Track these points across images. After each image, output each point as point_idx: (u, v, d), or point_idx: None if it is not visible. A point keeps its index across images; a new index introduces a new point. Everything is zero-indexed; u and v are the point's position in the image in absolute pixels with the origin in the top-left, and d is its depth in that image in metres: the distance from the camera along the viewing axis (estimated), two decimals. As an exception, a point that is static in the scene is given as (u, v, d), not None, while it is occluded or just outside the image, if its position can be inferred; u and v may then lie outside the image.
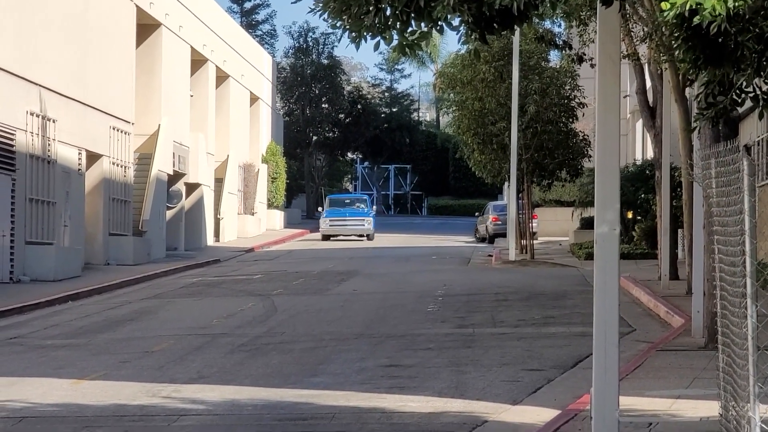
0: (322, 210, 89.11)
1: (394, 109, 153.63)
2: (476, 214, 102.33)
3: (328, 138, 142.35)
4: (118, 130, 66.64)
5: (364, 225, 78.60)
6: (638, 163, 59.80)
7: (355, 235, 76.96)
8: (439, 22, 14.59)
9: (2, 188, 51.95)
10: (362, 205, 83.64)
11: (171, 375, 26.84)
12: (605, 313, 15.64)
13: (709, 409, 16.44)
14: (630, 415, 16.92)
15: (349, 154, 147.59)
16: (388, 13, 14.03)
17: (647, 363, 25.30)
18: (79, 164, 61.61)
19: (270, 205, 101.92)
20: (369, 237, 79.94)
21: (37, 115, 55.17)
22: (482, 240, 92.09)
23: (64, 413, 22.32)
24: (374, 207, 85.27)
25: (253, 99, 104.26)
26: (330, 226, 78.18)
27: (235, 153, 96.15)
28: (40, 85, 55.31)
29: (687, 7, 10.56)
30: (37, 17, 55.02)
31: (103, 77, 64.45)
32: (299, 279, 53.77)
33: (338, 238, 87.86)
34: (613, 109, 16.45)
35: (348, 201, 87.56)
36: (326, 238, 79.96)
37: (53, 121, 56.84)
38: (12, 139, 52.67)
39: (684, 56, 15.79)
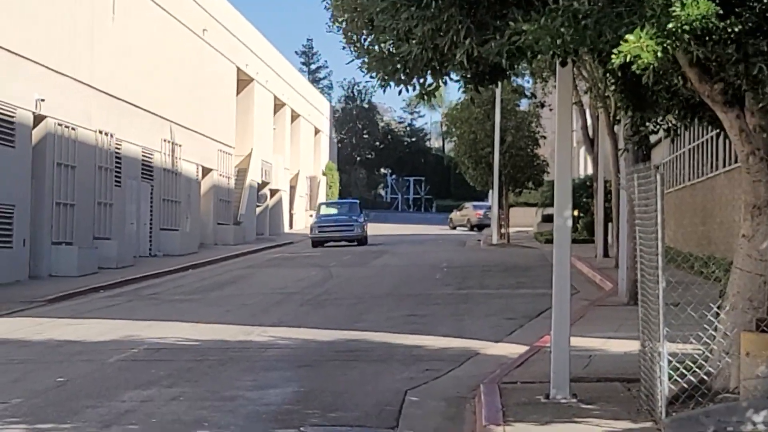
0: (315, 217, 69.32)
1: (413, 139, 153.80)
2: (452, 210, 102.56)
3: (367, 158, 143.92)
4: (223, 152, 66.90)
5: (353, 231, 62.18)
6: (581, 177, 59.74)
7: (345, 240, 61.47)
8: (446, 78, 14.61)
9: (144, 191, 52.28)
10: (352, 212, 66.13)
11: (260, 320, 27.00)
12: (560, 280, 15.59)
13: (631, 346, 16.33)
14: (576, 349, 16.84)
15: (382, 170, 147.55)
16: (413, 71, 14.00)
17: (588, 314, 25.27)
18: (197, 175, 61.82)
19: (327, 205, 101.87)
20: (360, 242, 62.96)
21: (168, 141, 55.40)
22: (453, 228, 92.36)
23: (187, 346, 22.49)
24: (363, 214, 66.60)
25: (316, 131, 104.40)
26: (319, 233, 61.95)
27: (303, 168, 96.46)
28: (170, 121, 55.46)
29: (628, 58, 10.49)
30: (169, 76, 55.11)
31: (213, 115, 64.62)
32: (347, 255, 53.61)
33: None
34: (566, 139, 16.44)
35: (339, 207, 69.28)
36: (316, 245, 61.30)
37: (179, 146, 57.06)
38: (151, 158, 53.01)
39: (619, 102, 15.68)
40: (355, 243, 61.25)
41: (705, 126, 16.85)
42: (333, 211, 67.40)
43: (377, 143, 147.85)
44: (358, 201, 75.93)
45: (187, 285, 39.18)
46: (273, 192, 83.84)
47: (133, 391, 17.08)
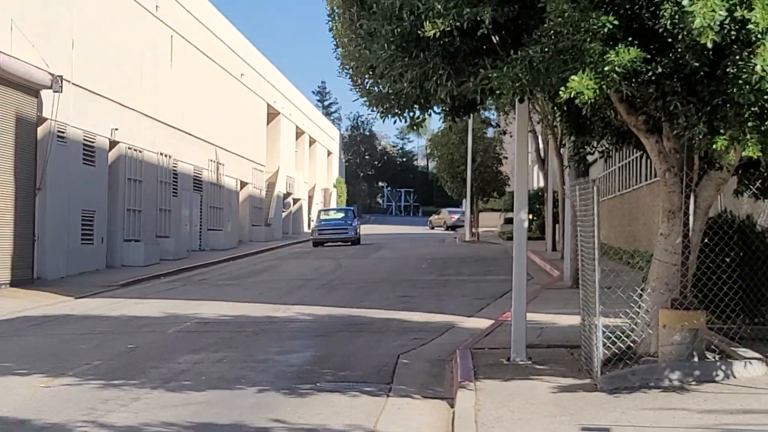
0: (315, 221, 65.06)
1: (404, 159, 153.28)
2: (432, 215, 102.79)
3: (368, 174, 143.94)
4: (256, 169, 66.69)
5: (348, 234, 58.89)
6: (535, 188, 59.59)
7: (340, 241, 58.34)
8: (430, 111, 14.60)
9: (195, 200, 52.21)
10: (347, 216, 62.33)
11: (285, 300, 26.93)
12: (518, 268, 15.55)
13: (574, 320, 16.30)
14: (531, 323, 16.81)
15: (380, 183, 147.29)
16: (404, 106, 13.97)
17: (540, 296, 25.26)
18: (236, 187, 61.67)
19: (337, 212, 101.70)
20: (354, 242, 59.72)
21: (214, 161, 55.28)
22: (432, 229, 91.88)
23: (227, 320, 22.54)
24: (356, 219, 64.24)
25: (329, 153, 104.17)
26: (318, 235, 58.88)
27: (318, 182, 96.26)
28: (215, 145, 55.38)
29: (572, 95, 10.47)
30: (214, 110, 55.06)
31: (248, 140, 64.53)
32: (352, 250, 53.56)
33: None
34: (523, 159, 16.44)
35: (335, 213, 65.08)
36: (316, 245, 58.29)
37: (222, 164, 56.93)
38: (201, 174, 52.90)
39: (564, 130, 15.70)
40: (350, 243, 58.83)
41: (631, 149, 16.85)
42: (331, 216, 64.35)
43: (376, 162, 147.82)
44: (353, 208, 73.79)
45: (228, 273, 39.15)
46: (295, 201, 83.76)
47: (187, 355, 17.13)
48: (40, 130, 33.04)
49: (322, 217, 62.67)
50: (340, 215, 62.14)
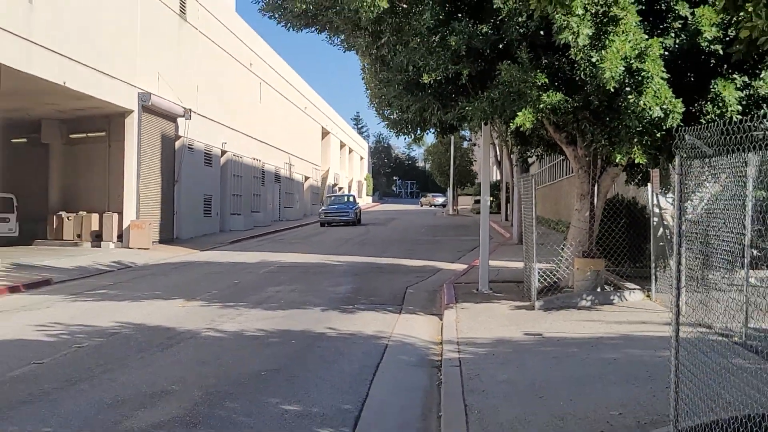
0: (324, 205, 51.32)
1: (410, 161, 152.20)
2: (420, 197, 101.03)
3: (386, 171, 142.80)
4: (315, 168, 66.24)
5: (348, 216, 47.09)
6: (494, 181, 59.16)
7: (342, 222, 46.80)
8: (427, 131, 14.63)
9: (276, 188, 51.77)
10: (348, 201, 50.15)
11: (333, 252, 26.80)
12: (484, 232, 15.54)
13: (519, 265, 16.34)
14: (492, 267, 16.83)
15: (394, 177, 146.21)
16: (410, 128, 13.99)
17: (497, 250, 25.17)
18: (302, 180, 61.52)
19: (366, 195, 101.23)
20: (354, 223, 47.24)
21: (287, 163, 55.06)
22: (421, 206, 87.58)
23: (297, 265, 22.40)
24: (356, 205, 50.41)
25: (361, 158, 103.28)
26: (325, 217, 47.14)
27: (355, 176, 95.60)
28: (288, 153, 55.20)
29: (519, 122, 10.52)
30: (287, 129, 54.98)
31: (310, 149, 64.14)
32: (376, 219, 53.37)
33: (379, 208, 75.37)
34: (487, 161, 16.37)
35: (339, 198, 51.80)
36: (323, 225, 46.79)
37: (293, 165, 56.65)
38: (279, 171, 52.57)
39: (513, 143, 15.66)
40: (351, 224, 46.78)
41: (557, 154, 16.83)
42: (335, 202, 50.20)
43: (391, 164, 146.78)
44: (354, 194, 58.10)
45: (297, 235, 39.00)
46: (340, 188, 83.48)
47: (272, 287, 17.17)
48: (177, 144, 33.01)
49: (328, 203, 50.28)
50: (343, 201, 50.22)
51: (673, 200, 6.98)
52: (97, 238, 28.58)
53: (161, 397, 7.70)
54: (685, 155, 5.64)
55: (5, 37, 20.22)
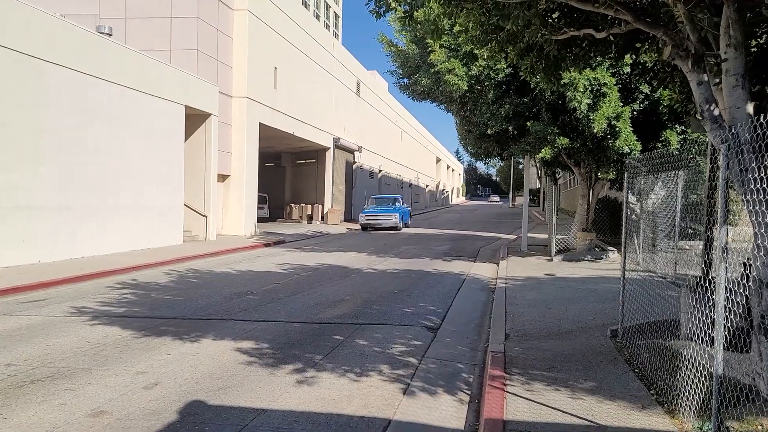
0: (366, 206, 25.38)
1: (488, 176, 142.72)
2: (489, 197, 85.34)
3: (474, 182, 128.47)
4: (431, 180, 62.67)
5: (392, 220, 22.50)
6: (536, 187, 55.21)
7: (385, 227, 22.65)
8: (497, 158, 14.47)
9: (409, 191, 48.61)
10: (394, 204, 24.60)
11: (439, 227, 25.46)
12: (524, 216, 15.10)
13: (546, 236, 15.69)
14: (530, 238, 16.22)
15: (478, 185, 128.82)
16: (482, 158, 13.91)
17: (534, 228, 23.31)
18: (426, 187, 57.95)
19: (461, 196, 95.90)
20: (398, 228, 22.83)
21: (416, 177, 52.78)
22: (489, 202, 76.81)
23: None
24: (401, 208, 24.20)
25: (459, 174, 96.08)
26: (366, 220, 22.62)
27: (455, 185, 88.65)
28: (415, 170, 52.67)
29: (543, 155, 10.47)
30: (414, 156, 53.14)
31: (429, 168, 60.68)
32: (469, 209, 49.06)
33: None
34: (528, 176, 15.92)
35: (385, 200, 24.91)
36: (364, 228, 22.68)
37: (418, 178, 54.05)
38: (411, 182, 49.74)
39: (541, 165, 15.09)
40: (394, 229, 23.68)
41: (569, 172, 16.18)
42: (381, 203, 25.16)
43: (476, 177, 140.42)
44: (401, 197, 26.63)
45: (425, 219, 35.42)
46: (446, 192, 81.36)
47: (404, 246, 16.60)
48: (354, 166, 33.32)
49: (371, 204, 25.49)
50: (389, 202, 25.25)
51: (636, 198, 6.94)
52: (310, 218, 29.16)
53: (339, 302, 8.17)
54: (629, 172, 5.69)
55: (263, 108, 21.17)
